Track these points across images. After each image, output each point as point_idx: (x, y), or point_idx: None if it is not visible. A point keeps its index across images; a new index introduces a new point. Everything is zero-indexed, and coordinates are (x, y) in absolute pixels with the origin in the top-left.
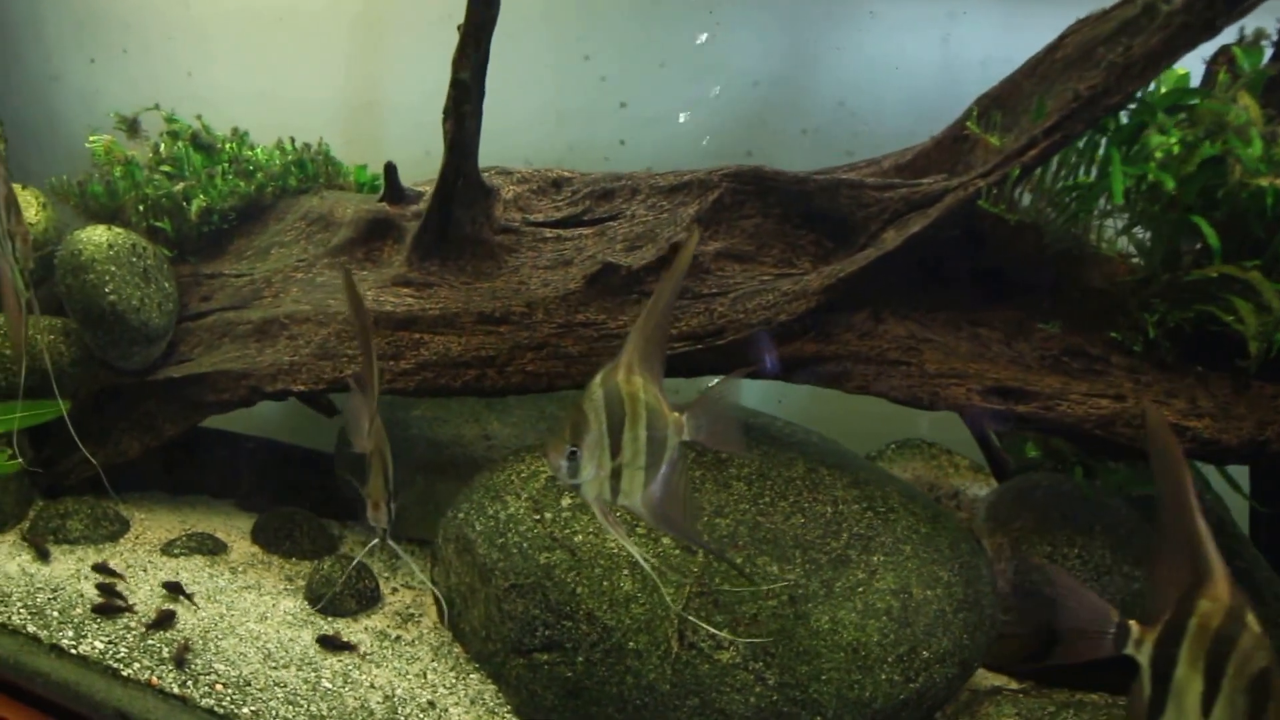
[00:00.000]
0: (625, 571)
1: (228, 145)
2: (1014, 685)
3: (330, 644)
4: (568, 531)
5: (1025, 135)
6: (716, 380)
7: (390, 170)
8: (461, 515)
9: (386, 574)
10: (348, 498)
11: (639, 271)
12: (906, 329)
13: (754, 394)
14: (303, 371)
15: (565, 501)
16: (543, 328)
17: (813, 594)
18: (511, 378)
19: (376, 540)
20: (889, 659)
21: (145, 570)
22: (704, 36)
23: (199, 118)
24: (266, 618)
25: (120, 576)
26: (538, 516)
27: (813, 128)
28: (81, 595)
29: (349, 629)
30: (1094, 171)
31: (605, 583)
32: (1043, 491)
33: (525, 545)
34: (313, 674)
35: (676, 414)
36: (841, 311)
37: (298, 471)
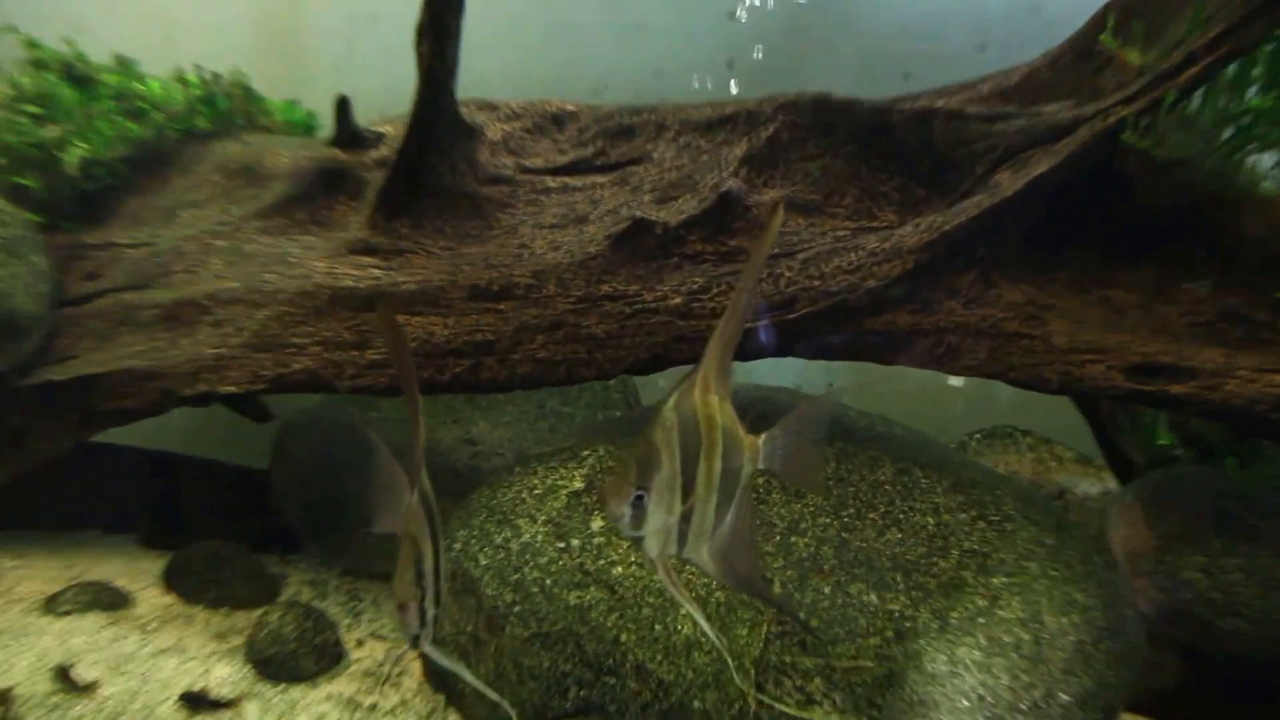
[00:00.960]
0: (683, 610)
1: (110, 78)
2: None
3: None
4: (603, 563)
5: (1180, 49)
6: (797, 399)
7: (343, 106)
8: (459, 546)
9: (348, 620)
10: (288, 527)
11: (678, 229)
12: (1023, 293)
13: (790, 374)
14: (233, 368)
15: (597, 524)
16: (556, 303)
17: (923, 628)
18: (518, 367)
19: (426, 649)
20: (1022, 706)
21: (21, 639)
22: None
23: (70, 43)
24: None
25: None
26: (562, 545)
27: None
28: None
29: (306, 697)
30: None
31: (657, 626)
32: (1190, 488)
33: (549, 582)
34: None
35: (752, 438)
36: (943, 274)
37: (222, 494)
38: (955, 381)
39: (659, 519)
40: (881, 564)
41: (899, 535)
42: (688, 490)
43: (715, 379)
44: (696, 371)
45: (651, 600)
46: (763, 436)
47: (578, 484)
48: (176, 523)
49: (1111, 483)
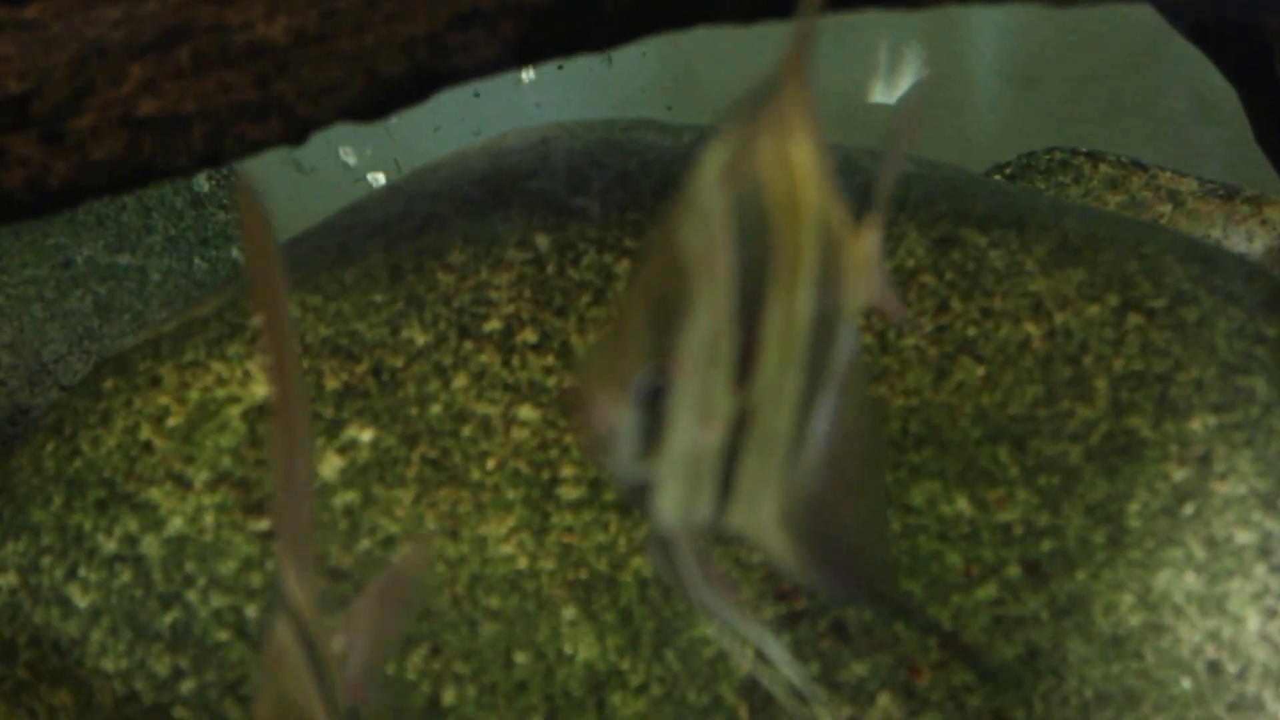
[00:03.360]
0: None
1: None
2: None
3: None
4: (369, 543)
5: None
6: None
7: None
8: (10, 581)
9: None
10: None
11: None
12: None
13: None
14: None
15: (332, 464)
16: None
17: (1075, 548)
18: (91, 147)
19: None
20: None
21: None
22: None
23: None
24: None
25: None
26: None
27: None
28: None
29: None
30: None
31: (500, 667)
32: None
33: (252, 611)
34: None
35: (860, 235)
36: None
37: None
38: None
39: (689, 435)
40: (964, 430)
41: (979, 369)
42: (747, 365)
43: (804, 113)
44: (765, 102)
45: (494, 604)
46: (869, 229)
47: (263, 388)
48: None
49: None
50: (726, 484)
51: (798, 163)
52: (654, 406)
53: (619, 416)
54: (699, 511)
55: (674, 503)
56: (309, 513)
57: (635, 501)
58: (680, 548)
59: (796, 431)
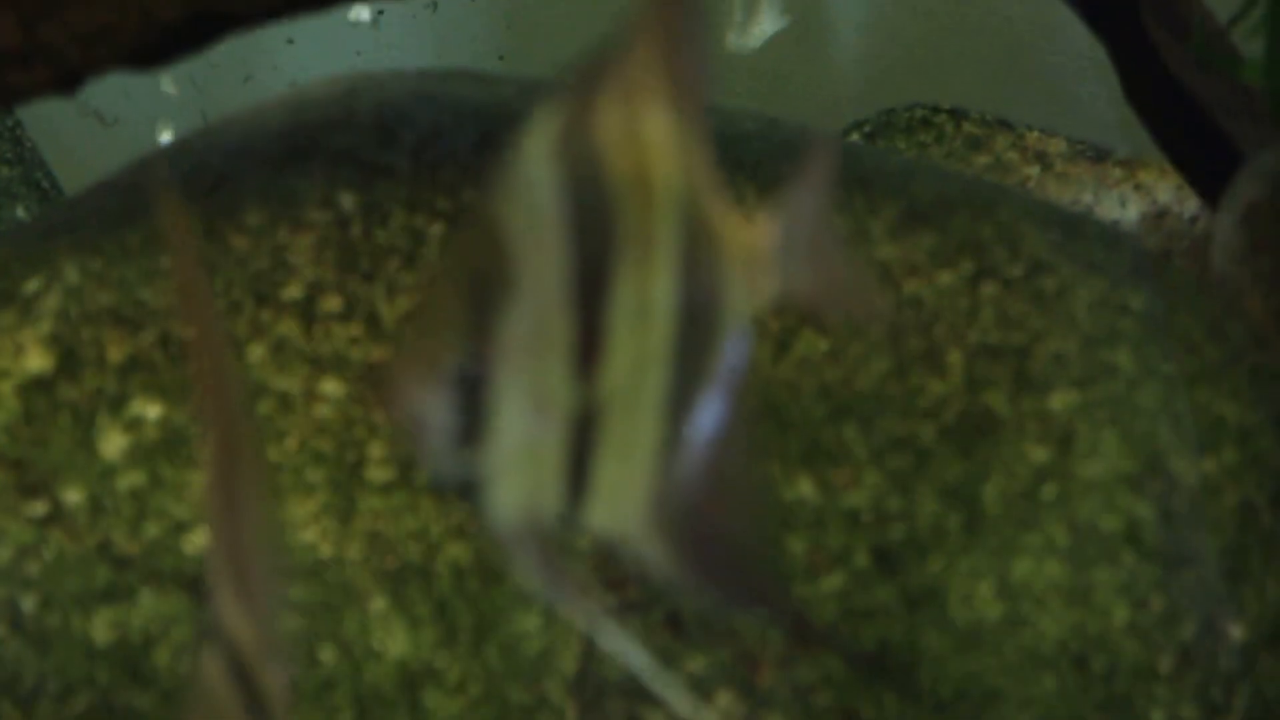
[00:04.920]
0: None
1: None
2: None
3: None
4: (164, 527)
5: None
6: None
7: None
8: None
9: None
10: None
11: None
12: None
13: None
14: None
15: (115, 443)
16: None
17: (931, 534)
18: None
19: None
20: (1160, 668)
21: None
22: None
23: None
24: None
25: None
26: (44, 505)
27: None
28: None
29: None
30: None
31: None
32: None
33: (30, 604)
34: None
35: (752, 222)
36: None
37: None
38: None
39: (520, 424)
40: (806, 408)
41: (823, 343)
42: (589, 353)
43: (662, 75)
44: (609, 61)
45: (295, 595)
46: (770, 218)
47: (39, 360)
48: None
49: (1163, 193)
50: (575, 480)
51: (650, 132)
52: (472, 393)
53: (432, 403)
54: (542, 506)
55: (509, 497)
56: (256, 532)
57: (460, 494)
58: (529, 557)
59: (666, 430)
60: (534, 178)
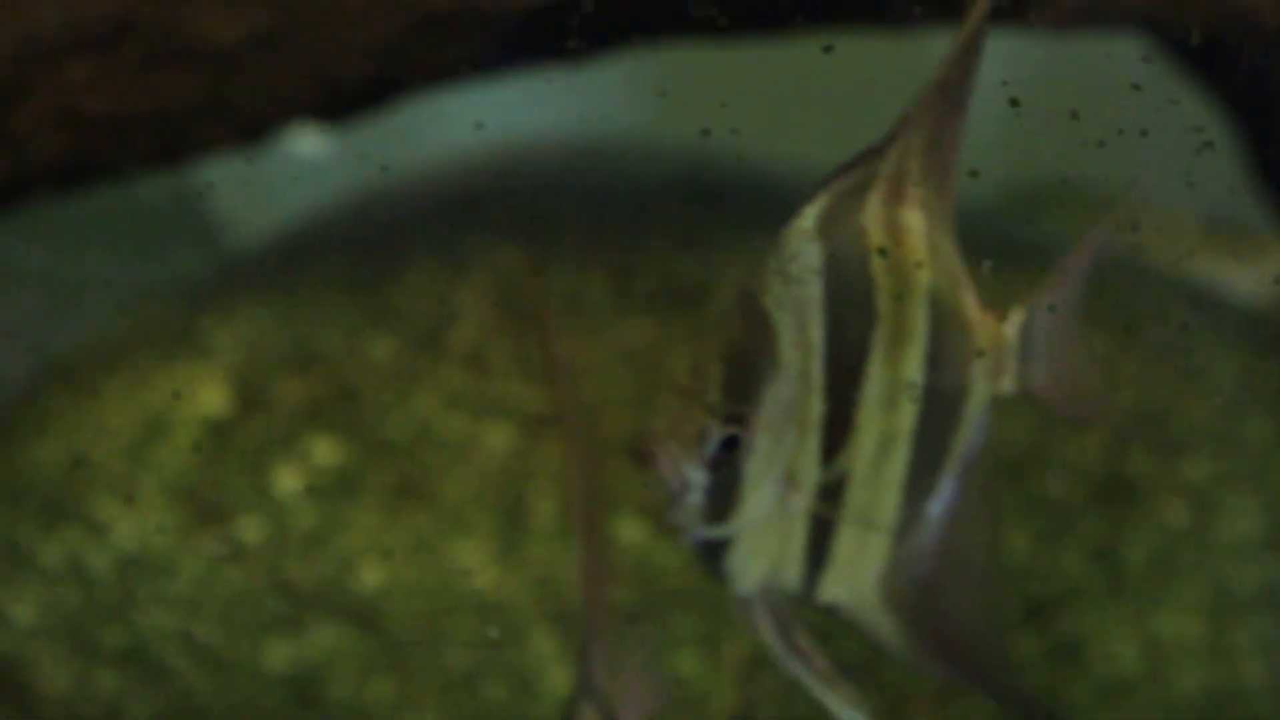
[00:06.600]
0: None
1: None
2: None
3: None
4: (337, 562)
5: None
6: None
7: None
8: None
9: None
10: None
11: None
12: None
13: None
14: None
15: (288, 480)
16: None
17: (1076, 591)
18: (31, 148)
19: None
20: None
21: None
22: None
23: None
24: None
25: None
26: (222, 540)
27: None
28: None
29: None
30: None
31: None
32: None
33: (204, 633)
34: None
35: (995, 318)
36: None
37: None
38: None
39: (766, 497)
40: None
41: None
42: (838, 430)
43: (916, 178)
44: (874, 160)
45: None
46: (1016, 314)
47: (220, 399)
48: None
49: None
50: (819, 555)
51: (909, 225)
52: (729, 464)
53: (691, 470)
54: (783, 579)
55: (753, 565)
56: (611, 591)
57: (707, 562)
58: (768, 626)
59: (905, 510)
60: (801, 261)
